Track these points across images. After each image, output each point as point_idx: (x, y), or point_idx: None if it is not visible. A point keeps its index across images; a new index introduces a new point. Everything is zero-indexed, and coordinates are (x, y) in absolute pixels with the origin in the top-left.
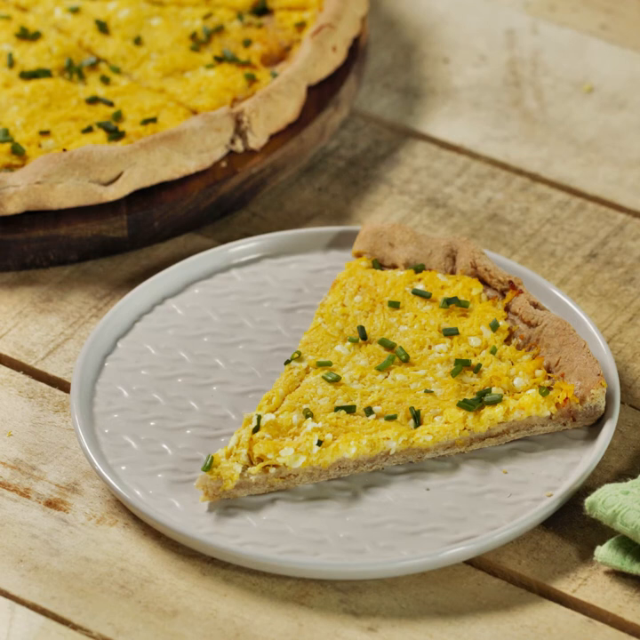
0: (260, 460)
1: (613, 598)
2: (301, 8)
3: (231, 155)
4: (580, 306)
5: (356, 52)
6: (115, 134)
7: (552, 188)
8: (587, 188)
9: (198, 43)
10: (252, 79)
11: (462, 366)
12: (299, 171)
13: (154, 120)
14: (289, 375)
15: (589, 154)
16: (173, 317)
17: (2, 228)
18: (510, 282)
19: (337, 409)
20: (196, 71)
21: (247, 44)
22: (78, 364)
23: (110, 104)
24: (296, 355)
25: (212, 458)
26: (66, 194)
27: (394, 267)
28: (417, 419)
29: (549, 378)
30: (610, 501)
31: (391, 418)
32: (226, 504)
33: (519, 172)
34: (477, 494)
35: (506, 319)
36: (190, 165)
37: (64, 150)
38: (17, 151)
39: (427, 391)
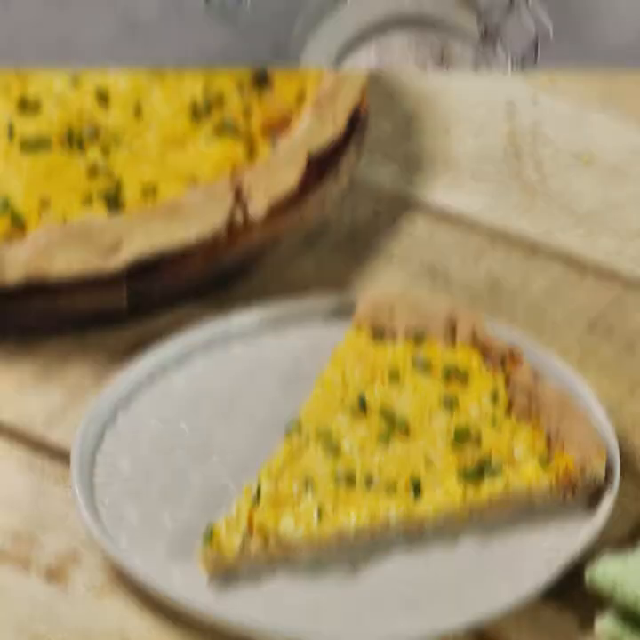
0: (260, 530)
1: None
2: (301, 79)
3: (231, 225)
4: (581, 376)
5: (355, 122)
6: (115, 205)
7: (552, 258)
8: (587, 259)
9: (198, 113)
10: (251, 150)
11: (462, 437)
12: (299, 241)
13: (154, 190)
14: (289, 445)
15: (589, 224)
16: (173, 388)
17: (1, 299)
18: (510, 352)
19: (337, 479)
20: (196, 141)
21: (247, 114)
22: (78, 435)
23: (110, 174)
24: (296, 425)
25: (212, 528)
26: (66, 265)
27: (394, 337)
28: (417, 489)
29: (549, 449)
30: (610, 572)
31: (391, 488)
32: (226, 574)
33: (519, 242)
34: (477, 566)
35: (506, 389)
36: (190, 236)
37: (64, 221)
38: (17, 222)
39: (427, 462)
